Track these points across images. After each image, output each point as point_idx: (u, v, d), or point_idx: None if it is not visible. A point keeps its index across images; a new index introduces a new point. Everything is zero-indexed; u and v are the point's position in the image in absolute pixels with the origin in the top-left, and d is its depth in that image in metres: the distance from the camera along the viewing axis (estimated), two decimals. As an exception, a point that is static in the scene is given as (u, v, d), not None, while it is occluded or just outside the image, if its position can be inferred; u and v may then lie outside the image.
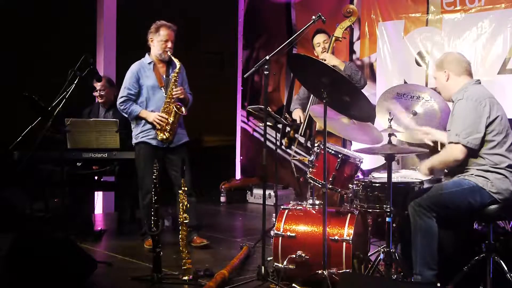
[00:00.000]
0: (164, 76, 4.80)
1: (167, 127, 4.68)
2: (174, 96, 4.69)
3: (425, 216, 3.27)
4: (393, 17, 6.04)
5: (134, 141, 4.80)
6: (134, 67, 4.80)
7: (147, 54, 4.84)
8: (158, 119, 4.65)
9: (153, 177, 3.88)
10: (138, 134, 4.76)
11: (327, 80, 3.37)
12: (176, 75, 4.70)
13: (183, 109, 4.70)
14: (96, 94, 5.48)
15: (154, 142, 4.72)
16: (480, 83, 3.51)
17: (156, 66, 4.80)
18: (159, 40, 4.73)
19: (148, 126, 4.72)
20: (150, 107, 4.74)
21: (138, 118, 4.73)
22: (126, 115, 4.77)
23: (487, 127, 3.30)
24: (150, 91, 4.75)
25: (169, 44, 4.73)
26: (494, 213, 3.30)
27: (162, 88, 4.75)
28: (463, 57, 3.61)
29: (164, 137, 4.68)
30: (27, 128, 4.11)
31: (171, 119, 4.68)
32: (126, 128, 5.03)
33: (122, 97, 4.73)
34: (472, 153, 3.31)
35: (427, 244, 3.26)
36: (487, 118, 3.30)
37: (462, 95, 3.38)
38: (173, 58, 4.72)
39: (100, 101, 5.53)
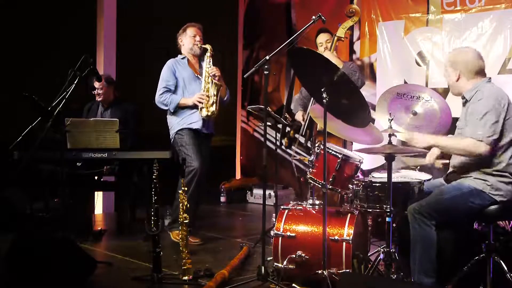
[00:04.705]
0: (199, 69, 5.01)
1: (210, 101, 4.82)
2: (210, 74, 4.85)
3: (424, 224, 3.24)
4: (393, 17, 6.04)
5: (175, 129, 4.92)
6: (169, 62, 5.00)
7: (179, 54, 5.07)
8: (199, 98, 4.80)
9: (153, 176, 3.87)
10: (180, 121, 4.91)
11: (327, 78, 3.36)
12: (209, 55, 4.88)
13: (221, 81, 4.86)
14: (95, 92, 5.49)
15: (195, 126, 4.89)
16: (490, 80, 3.44)
17: (190, 61, 5.03)
18: (187, 37, 5.01)
19: (189, 112, 4.89)
20: (187, 96, 4.91)
21: (180, 108, 4.88)
22: (167, 107, 4.91)
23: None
24: (186, 81, 4.94)
25: (198, 38, 4.99)
26: (494, 214, 3.30)
27: (199, 76, 4.95)
28: (478, 56, 3.46)
29: (209, 113, 4.83)
30: (27, 128, 4.10)
31: (213, 92, 4.82)
32: (126, 127, 5.01)
33: (160, 89, 4.91)
34: (493, 152, 3.24)
35: (425, 252, 3.24)
36: (504, 119, 3.24)
37: (482, 95, 3.30)
38: (203, 46, 4.92)
39: (98, 99, 5.54)
